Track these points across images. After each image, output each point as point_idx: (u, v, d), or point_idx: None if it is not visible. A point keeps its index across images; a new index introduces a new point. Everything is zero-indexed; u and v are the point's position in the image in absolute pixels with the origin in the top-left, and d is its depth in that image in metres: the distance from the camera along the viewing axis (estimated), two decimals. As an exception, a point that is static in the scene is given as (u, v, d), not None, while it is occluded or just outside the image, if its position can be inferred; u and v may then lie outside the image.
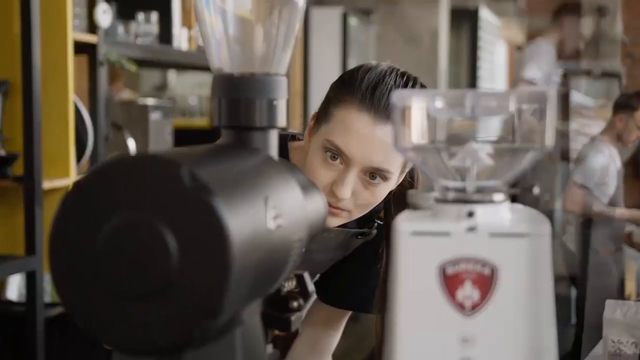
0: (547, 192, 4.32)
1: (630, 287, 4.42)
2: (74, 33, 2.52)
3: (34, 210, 2.30)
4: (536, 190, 0.82)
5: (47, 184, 2.40)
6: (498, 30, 8.17)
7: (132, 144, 2.91)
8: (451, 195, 0.70)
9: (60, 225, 0.62)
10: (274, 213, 0.69)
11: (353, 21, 4.87)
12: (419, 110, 0.70)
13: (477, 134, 0.74)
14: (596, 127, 4.32)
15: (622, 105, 4.28)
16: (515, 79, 4.47)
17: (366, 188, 1.25)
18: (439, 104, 0.70)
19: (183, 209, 0.60)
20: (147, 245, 0.60)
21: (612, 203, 4.25)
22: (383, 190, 1.26)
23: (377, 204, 1.29)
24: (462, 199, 0.69)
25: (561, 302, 4.34)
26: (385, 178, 1.24)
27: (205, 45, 0.81)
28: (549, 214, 4.47)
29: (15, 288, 2.55)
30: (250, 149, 0.78)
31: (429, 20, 5.45)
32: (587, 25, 4.47)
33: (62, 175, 2.48)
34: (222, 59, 0.80)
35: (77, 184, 0.62)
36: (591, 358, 2.00)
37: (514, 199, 0.72)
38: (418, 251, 0.68)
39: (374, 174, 1.23)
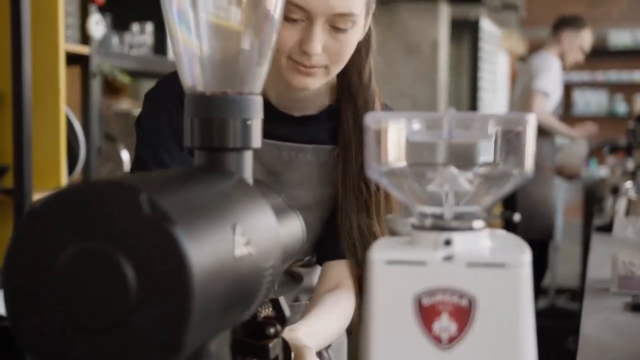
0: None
1: None
2: (67, 44, 2.49)
3: (24, 224, 2.27)
4: (517, 217, 0.80)
5: (37, 197, 2.37)
6: (499, 41, 8.15)
7: (125, 156, 2.88)
8: (428, 222, 0.67)
9: (14, 253, 0.59)
10: (243, 240, 0.66)
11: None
12: (394, 133, 0.67)
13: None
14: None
15: (568, 24, 4.37)
16: (523, 89, 4.45)
17: (335, 39, 1.20)
18: (415, 126, 0.67)
19: (142, 237, 0.57)
20: (104, 276, 0.57)
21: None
22: (352, 37, 1.22)
23: (350, 53, 1.24)
24: (440, 226, 0.66)
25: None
26: (351, 23, 1.20)
27: (177, 62, 0.78)
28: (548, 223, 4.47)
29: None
30: (223, 171, 0.75)
31: (429, 31, 5.42)
32: (587, 37, 4.46)
33: (53, 187, 2.45)
34: (194, 77, 0.77)
35: (32, 210, 0.59)
36: (596, 282, 1.90)
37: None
38: (393, 281, 0.65)
39: (339, 22, 1.19)
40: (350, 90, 1.34)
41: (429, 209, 0.68)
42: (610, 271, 1.80)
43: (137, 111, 3.24)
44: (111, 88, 3.55)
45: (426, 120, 0.67)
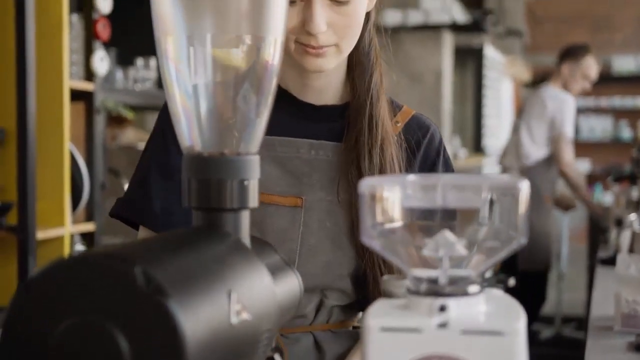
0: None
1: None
2: (71, 81, 2.51)
3: (28, 262, 2.27)
4: (512, 281, 0.80)
5: (41, 234, 2.37)
6: (503, 68, 8.17)
7: (129, 190, 2.88)
8: (423, 287, 0.67)
9: (10, 326, 0.59)
10: (239, 307, 0.66)
11: (356, 62, 4.85)
12: (388, 198, 0.68)
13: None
14: None
15: (568, 54, 4.40)
16: (549, 129, 4.40)
17: (339, 13, 1.14)
18: (409, 192, 0.67)
19: (137, 311, 0.57)
20: (99, 349, 0.57)
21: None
22: (358, 8, 1.16)
23: (359, 25, 1.18)
24: (435, 291, 0.66)
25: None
26: None
27: (175, 122, 0.79)
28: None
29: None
30: (219, 232, 0.75)
31: (433, 60, 5.45)
32: (590, 65, 4.48)
33: (57, 225, 2.46)
34: (192, 138, 0.78)
35: (29, 283, 0.59)
36: (600, 320, 1.88)
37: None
38: (388, 348, 0.65)
39: None
40: (351, 64, 1.27)
41: (423, 273, 0.68)
42: (614, 308, 1.79)
43: (141, 144, 3.25)
44: (116, 118, 3.56)
45: (420, 185, 0.68)
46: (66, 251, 2.47)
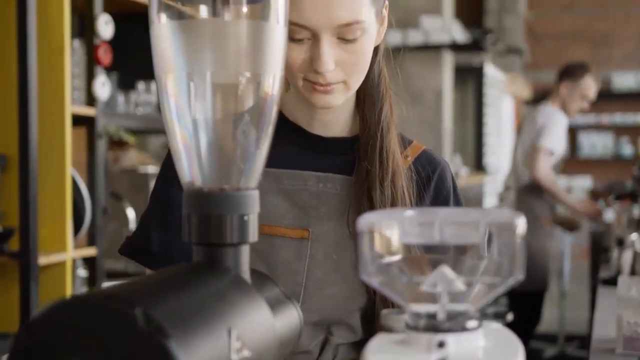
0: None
1: None
2: (73, 106, 2.52)
3: (30, 287, 2.28)
4: (510, 317, 0.80)
5: (43, 260, 2.38)
6: (504, 85, 8.20)
7: (131, 214, 2.90)
8: (422, 322, 0.67)
9: (13, 365, 0.60)
10: (239, 344, 0.67)
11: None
12: (386, 234, 0.68)
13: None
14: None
15: (567, 74, 4.39)
16: (530, 145, 4.44)
17: (346, 50, 1.13)
18: (407, 228, 0.68)
19: (137, 352, 0.58)
20: (100, 390, 0.58)
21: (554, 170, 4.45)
22: (365, 44, 1.15)
23: (367, 62, 1.17)
24: (433, 326, 0.67)
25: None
26: (360, 30, 1.12)
27: (175, 158, 0.79)
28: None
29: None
30: (219, 268, 0.76)
31: (433, 79, 5.47)
32: (589, 85, 4.49)
33: (59, 250, 2.46)
34: (192, 173, 0.79)
35: (29, 325, 0.60)
36: (602, 342, 1.87)
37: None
38: (387, 384, 0.65)
39: (346, 33, 1.12)
40: (360, 96, 1.26)
41: (422, 308, 0.69)
42: (615, 330, 1.79)
43: (143, 167, 3.26)
44: (118, 140, 3.58)
45: (418, 221, 0.68)
46: (68, 276, 2.47)
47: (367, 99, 1.25)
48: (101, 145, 2.64)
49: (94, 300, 0.59)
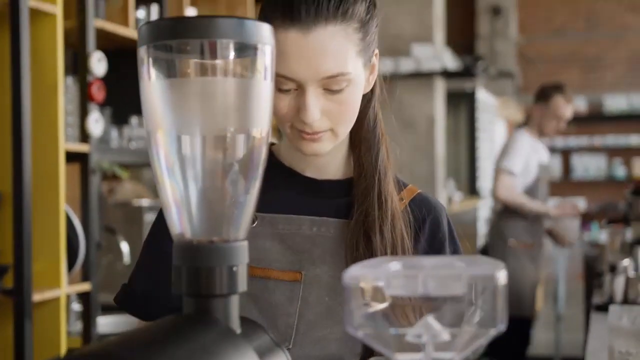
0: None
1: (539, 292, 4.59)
2: (66, 143, 2.54)
3: (24, 325, 2.28)
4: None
5: (37, 296, 2.38)
6: (496, 109, 8.25)
7: (125, 248, 2.91)
8: (407, 373, 0.69)
9: None
10: (228, 397, 0.68)
11: (349, 110, 4.92)
12: (371, 287, 0.70)
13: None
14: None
15: (539, 96, 4.42)
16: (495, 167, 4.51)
17: (333, 101, 1.14)
18: (392, 281, 0.70)
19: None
20: None
21: (529, 195, 4.38)
22: (352, 94, 1.16)
23: (354, 110, 1.17)
24: (419, 378, 0.68)
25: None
26: (346, 82, 1.13)
27: (165, 210, 0.81)
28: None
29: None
30: (209, 319, 0.77)
31: (425, 106, 5.51)
32: (559, 104, 4.46)
33: (53, 286, 2.47)
34: (182, 226, 0.80)
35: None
36: None
37: None
38: None
39: (332, 84, 1.13)
40: (355, 140, 1.27)
41: (407, 357, 0.70)
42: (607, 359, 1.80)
43: (137, 201, 3.28)
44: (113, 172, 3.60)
45: (402, 276, 0.70)
46: (62, 312, 2.48)
47: (363, 143, 1.26)
48: (95, 181, 2.66)
49: (86, 358, 0.61)
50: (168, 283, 1.19)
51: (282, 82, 1.13)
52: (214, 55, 0.79)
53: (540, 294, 7.25)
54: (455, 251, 1.28)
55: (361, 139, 1.26)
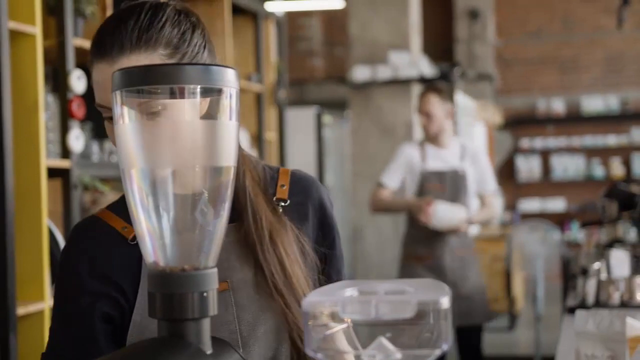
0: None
1: None
2: (48, 159, 2.59)
3: (9, 339, 2.33)
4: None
5: (21, 310, 2.44)
6: (475, 112, 8.33)
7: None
8: (362, 390, 0.76)
9: None
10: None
11: (327, 118, 5.01)
12: (328, 313, 0.77)
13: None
14: None
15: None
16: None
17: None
18: (347, 307, 0.77)
19: None
20: None
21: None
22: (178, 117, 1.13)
23: None
24: (372, 394, 0.75)
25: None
26: (162, 106, 1.07)
27: (140, 241, 0.88)
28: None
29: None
30: (182, 342, 0.84)
31: (403, 112, 5.58)
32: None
33: (36, 299, 2.52)
34: (155, 255, 0.87)
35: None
36: None
37: None
38: None
39: (148, 108, 1.07)
40: None
41: (362, 377, 0.77)
42: (571, 365, 1.86)
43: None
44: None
45: (357, 300, 0.77)
46: (46, 325, 2.53)
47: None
48: (76, 195, 2.71)
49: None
50: (87, 341, 1.22)
51: (104, 111, 1.19)
52: (182, 99, 0.86)
53: (520, 293, 7.34)
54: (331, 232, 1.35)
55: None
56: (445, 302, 0.75)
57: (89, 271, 1.23)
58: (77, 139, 2.68)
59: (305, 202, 1.34)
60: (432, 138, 4.16)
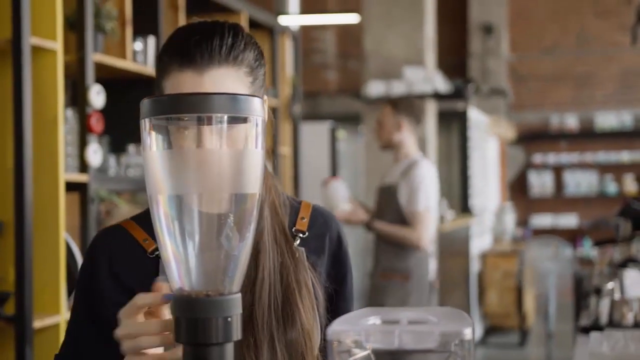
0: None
1: None
2: (66, 174, 2.62)
3: (25, 351, 2.36)
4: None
5: (38, 323, 2.46)
6: (488, 127, 8.33)
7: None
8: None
9: None
10: None
11: (342, 133, 5.02)
12: (352, 342, 0.78)
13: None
14: None
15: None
16: None
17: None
18: (370, 336, 0.78)
19: None
20: None
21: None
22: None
23: None
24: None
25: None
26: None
27: (166, 266, 0.89)
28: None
29: None
30: (206, 367, 0.85)
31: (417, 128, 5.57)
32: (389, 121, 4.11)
33: (53, 312, 2.55)
34: (181, 280, 0.88)
35: None
36: None
37: None
38: None
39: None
40: None
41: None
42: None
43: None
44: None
45: (380, 331, 0.78)
46: (62, 338, 2.55)
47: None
48: (93, 209, 2.73)
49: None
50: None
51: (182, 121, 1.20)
52: (209, 128, 0.88)
53: (531, 309, 7.31)
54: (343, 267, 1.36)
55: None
56: (468, 333, 0.76)
57: (107, 275, 1.25)
58: (95, 153, 2.71)
59: (323, 235, 1.35)
60: (383, 148, 4.14)
